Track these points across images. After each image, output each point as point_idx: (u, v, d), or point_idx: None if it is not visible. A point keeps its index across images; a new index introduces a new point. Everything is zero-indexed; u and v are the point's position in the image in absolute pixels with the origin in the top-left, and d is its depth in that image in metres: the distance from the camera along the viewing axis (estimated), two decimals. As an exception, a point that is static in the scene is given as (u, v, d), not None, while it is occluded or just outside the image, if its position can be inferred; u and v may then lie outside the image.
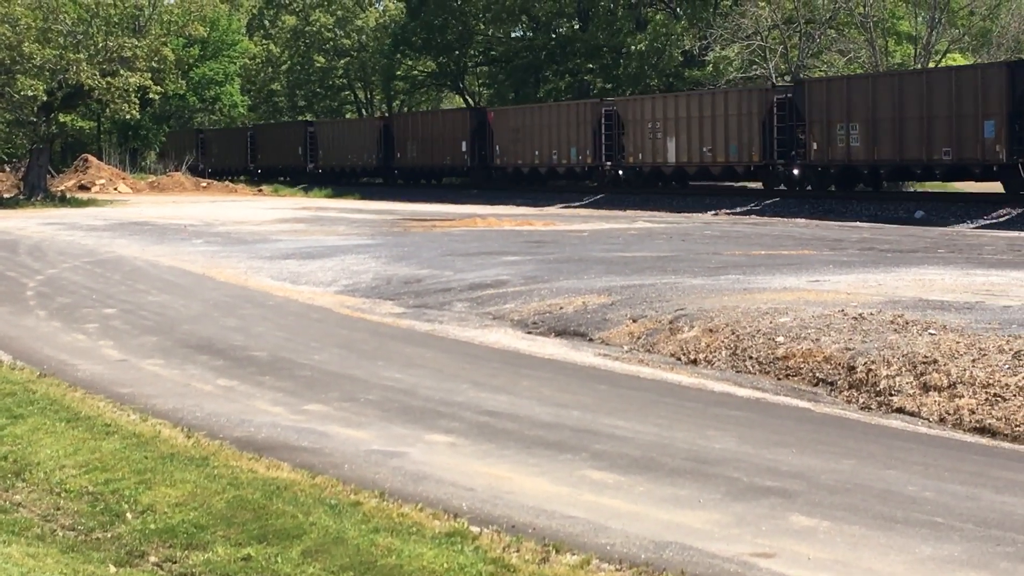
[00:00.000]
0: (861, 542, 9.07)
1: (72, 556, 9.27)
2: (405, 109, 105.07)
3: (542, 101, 77.56)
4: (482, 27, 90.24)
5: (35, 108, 62.34)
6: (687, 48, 73.97)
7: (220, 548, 9.24)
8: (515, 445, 12.13)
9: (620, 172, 57.67)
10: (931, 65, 63.23)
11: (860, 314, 16.60)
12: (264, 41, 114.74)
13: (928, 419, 13.11)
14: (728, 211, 47.34)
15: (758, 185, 53.56)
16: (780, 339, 16.20)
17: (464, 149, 67.11)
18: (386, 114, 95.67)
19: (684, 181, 55.59)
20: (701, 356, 16.67)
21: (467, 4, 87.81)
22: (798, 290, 19.87)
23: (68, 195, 66.04)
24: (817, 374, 15.01)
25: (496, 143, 65.05)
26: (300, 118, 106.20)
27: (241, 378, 16.03)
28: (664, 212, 48.55)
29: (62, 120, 65.77)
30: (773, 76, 65.24)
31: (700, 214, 46.55)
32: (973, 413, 12.88)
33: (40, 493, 11.00)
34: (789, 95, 48.73)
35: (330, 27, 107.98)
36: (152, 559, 9.29)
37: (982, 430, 12.58)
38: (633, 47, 77.32)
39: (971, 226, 37.51)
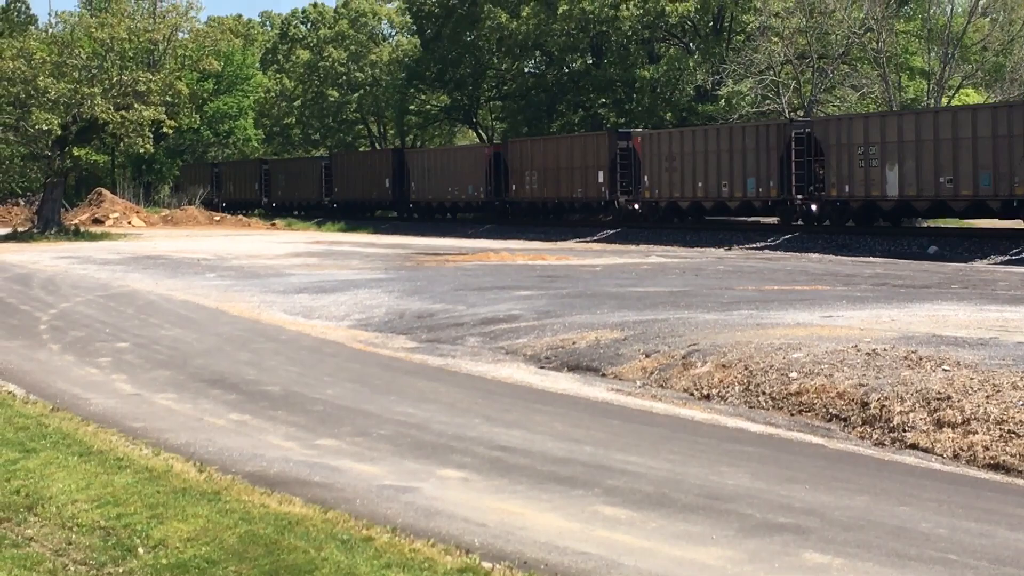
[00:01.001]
0: (875, 579, 9.03)
1: (84, 591, 9.25)
2: (418, 144, 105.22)
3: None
4: (495, 61, 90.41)
5: (49, 142, 62.54)
6: (700, 83, 74.00)
7: (232, 583, 9.22)
8: (527, 480, 12.10)
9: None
10: (944, 101, 63.27)
11: (873, 350, 16.57)
12: (278, 75, 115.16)
13: (942, 455, 13.07)
14: (741, 246, 47.30)
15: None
16: (793, 375, 16.17)
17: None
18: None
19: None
20: (714, 391, 16.65)
21: (480, 39, 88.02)
22: (811, 325, 19.84)
23: (82, 229, 66.18)
24: (830, 410, 14.97)
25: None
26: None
27: (254, 412, 16.03)
28: (677, 247, 48.53)
29: (76, 154, 65.97)
30: (786, 111, 65.28)
31: (713, 249, 46.52)
32: (987, 449, 12.84)
33: (52, 527, 10.98)
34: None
35: (343, 62, 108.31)
36: (164, 594, 9.27)
37: (996, 467, 12.54)
38: (647, 76, 77.35)
39: (985, 262, 37.47)
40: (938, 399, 14.05)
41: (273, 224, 79.36)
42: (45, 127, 60.44)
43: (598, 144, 59.57)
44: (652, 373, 18.09)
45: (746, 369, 16.89)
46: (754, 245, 47.30)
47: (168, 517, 10.78)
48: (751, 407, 15.84)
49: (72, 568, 9.94)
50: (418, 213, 74.89)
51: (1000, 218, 43.52)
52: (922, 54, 71.21)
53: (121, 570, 9.81)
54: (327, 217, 79.08)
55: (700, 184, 52.95)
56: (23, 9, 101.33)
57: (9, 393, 17.46)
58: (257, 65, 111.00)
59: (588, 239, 55.81)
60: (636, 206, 57.44)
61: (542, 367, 19.56)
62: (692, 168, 53.30)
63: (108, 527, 10.75)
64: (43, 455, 13.14)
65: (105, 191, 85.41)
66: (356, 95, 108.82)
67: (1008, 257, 38.13)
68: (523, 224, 63.25)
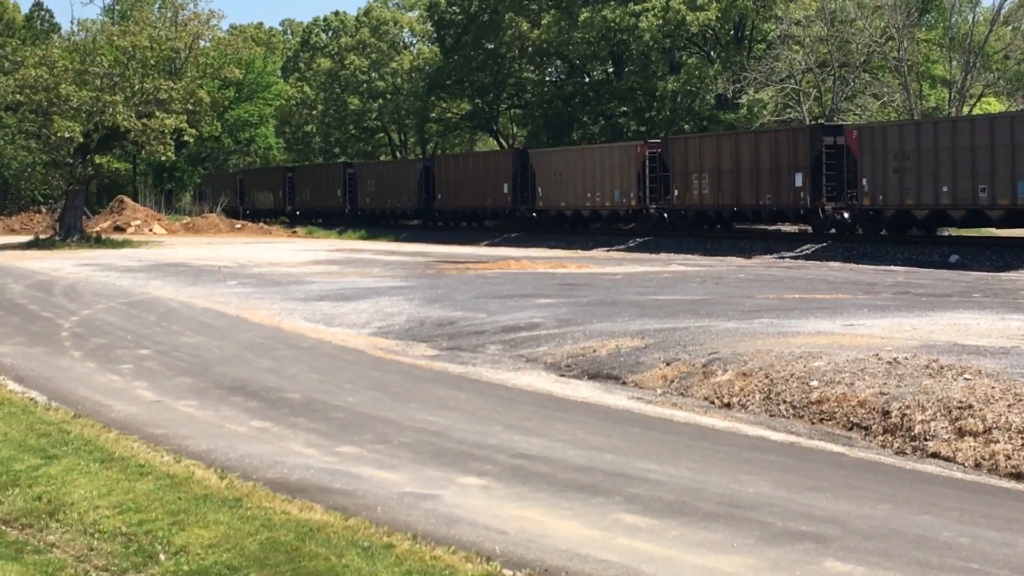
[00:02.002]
0: (896, 588, 9.02)
1: (105, 597, 9.28)
2: (440, 151, 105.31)
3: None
4: (516, 70, 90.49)
5: (71, 149, 62.79)
6: (721, 91, 74.02)
7: (253, 590, 9.24)
8: (548, 488, 12.10)
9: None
10: (965, 110, 63.18)
11: (895, 358, 16.54)
12: (299, 83, 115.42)
13: (963, 464, 13.04)
14: (762, 255, 47.21)
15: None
16: (814, 383, 16.15)
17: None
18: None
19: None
20: (735, 400, 16.63)
21: (501, 47, 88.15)
22: (832, 334, 19.81)
23: (103, 236, 66.37)
24: (852, 419, 14.95)
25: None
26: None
27: (275, 420, 16.06)
28: (698, 255, 48.45)
29: (98, 161, 66.11)
30: (807, 119, 65.22)
31: (734, 258, 46.44)
32: (1009, 458, 12.81)
33: (74, 534, 11.01)
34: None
35: (364, 70, 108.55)
36: (185, 600, 9.29)
37: (1018, 475, 12.51)
38: (668, 87, 77.43)
39: (1007, 271, 37.34)
40: (959, 408, 14.02)
41: (294, 231, 79.44)
42: (67, 135, 60.70)
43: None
44: (672, 381, 18.07)
45: (767, 377, 16.88)
46: (775, 254, 47.18)
47: (189, 523, 10.80)
48: (772, 415, 15.82)
49: (94, 574, 9.97)
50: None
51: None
52: (943, 62, 71.18)
53: (143, 576, 9.84)
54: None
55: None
56: (46, 17, 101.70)
57: (31, 400, 17.52)
58: (278, 73, 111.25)
59: (609, 248, 55.75)
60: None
61: (562, 375, 19.56)
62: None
63: (130, 533, 10.78)
64: (65, 461, 13.18)
65: (126, 199, 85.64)
66: (377, 103, 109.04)
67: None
68: (544, 233, 63.10)
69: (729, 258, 46.25)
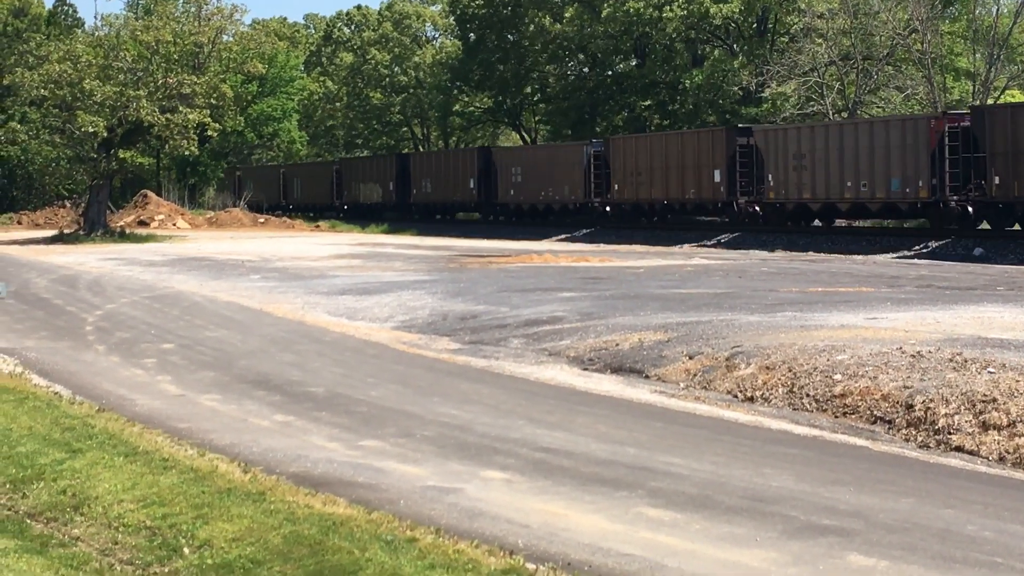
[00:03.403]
0: (920, 582, 9.00)
1: (130, 590, 9.30)
2: (462, 145, 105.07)
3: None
4: (538, 63, 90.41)
5: (95, 144, 62.95)
6: (744, 84, 73.84)
7: (277, 583, 9.26)
8: (571, 482, 12.11)
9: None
10: (989, 102, 62.90)
11: (918, 352, 16.50)
12: (321, 78, 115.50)
13: (987, 458, 13.02)
14: (785, 248, 47.13)
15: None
16: (837, 377, 16.12)
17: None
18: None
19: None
20: (758, 393, 16.61)
21: (523, 41, 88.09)
22: (855, 327, 19.77)
23: (127, 231, 66.52)
24: (875, 412, 14.92)
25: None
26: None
27: (298, 413, 16.09)
28: (721, 249, 48.42)
29: (122, 156, 66.20)
30: (830, 112, 65.03)
31: (757, 251, 46.38)
32: (1033, 452, 12.78)
33: (98, 527, 11.05)
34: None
35: (387, 64, 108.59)
36: (209, 594, 9.31)
37: (1042, 469, 12.48)
38: (689, 83, 77.34)
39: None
40: (983, 401, 13.98)
41: (317, 226, 79.41)
42: (91, 129, 60.86)
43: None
44: (696, 375, 18.06)
45: (790, 371, 16.85)
46: (797, 247, 47.10)
47: (213, 517, 10.82)
48: (795, 409, 15.80)
49: (118, 568, 10.00)
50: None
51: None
52: (967, 55, 70.85)
53: (167, 570, 9.87)
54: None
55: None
56: (70, 13, 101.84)
57: (56, 394, 17.58)
58: (301, 68, 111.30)
59: (632, 242, 55.67)
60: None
61: (585, 369, 19.56)
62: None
63: (154, 527, 10.81)
64: (89, 455, 13.22)
65: (150, 193, 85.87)
66: (400, 97, 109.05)
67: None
68: (567, 226, 63.08)
69: (752, 251, 46.19)
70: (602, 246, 53.09)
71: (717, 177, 53.43)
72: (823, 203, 49.31)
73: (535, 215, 68.24)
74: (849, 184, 46.92)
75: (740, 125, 58.89)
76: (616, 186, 60.25)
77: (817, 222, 51.84)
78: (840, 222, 52.88)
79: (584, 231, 61.26)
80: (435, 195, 75.60)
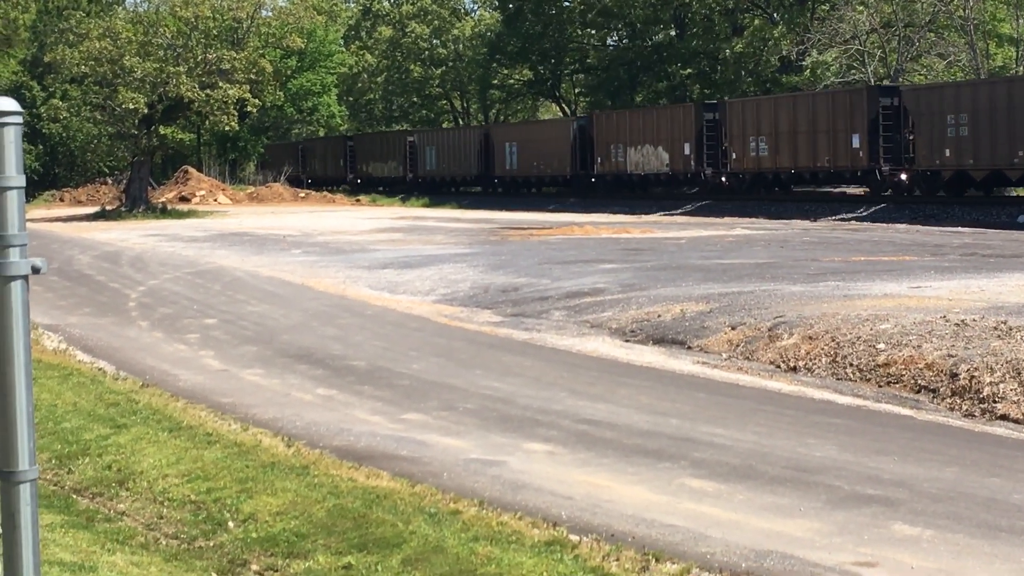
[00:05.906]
0: (965, 551, 8.96)
1: (175, 564, 9.36)
2: (502, 118, 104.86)
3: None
4: (578, 34, 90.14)
5: (136, 121, 63.17)
6: (784, 53, 73.41)
7: (321, 557, 9.28)
8: (614, 453, 12.10)
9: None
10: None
11: (962, 320, 16.40)
12: (361, 52, 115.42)
13: (1033, 426, 12.94)
14: (827, 217, 46.93)
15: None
16: (881, 346, 16.05)
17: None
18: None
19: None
20: (801, 363, 16.56)
21: (563, 12, 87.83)
22: (899, 296, 19.67)
23: (169, 207, 66.77)
24: (919, 381, 14.85)
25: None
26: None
27: (340, 387, 16.13)
28: (762, 219, 48.20)
29: (162, 132, 66.55)
30: (872, 80, 64.63)
31: (799, 220, 46.19)
32: (1079, 420, 12.70)
33: (143, 502, 11.11)
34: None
35: (426, 37, 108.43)
36: (254, 567, 9.35)
37: (1088, 437, 12.40)
38: (729, 52, 76.99)
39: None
40: (1029, 369, 13.90)
41: (358, 200, 79.44)
42: (132, 106, 61.10)
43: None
44: (738, 345, 18.01)
45: (833, 341, 16.78)
46: (839, 216, 46.91)
47: (257, 491, 10.87)
48: (838, 379, 15.75)
49: (164, 542, 10.06)
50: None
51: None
52: (1010, 21, 70.26)
53: (212, 544, 9.91)
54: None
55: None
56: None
57: (100, 370, 17.69)
58: (340, 42, 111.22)
59: (673, 212, 55.55)
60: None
61: (627, 340, 19.53)
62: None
63: (198, 501, 10.87)
64: (134, 431, 13.29)
65: (191, 169, 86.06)
66: (439, 71, 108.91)
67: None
68: (607, 198, 62.84)
69: (794, 221, 46.00)
70: (712, 218, 52.21)
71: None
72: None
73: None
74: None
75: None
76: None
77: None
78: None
79: (690, 205, 59.78)
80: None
